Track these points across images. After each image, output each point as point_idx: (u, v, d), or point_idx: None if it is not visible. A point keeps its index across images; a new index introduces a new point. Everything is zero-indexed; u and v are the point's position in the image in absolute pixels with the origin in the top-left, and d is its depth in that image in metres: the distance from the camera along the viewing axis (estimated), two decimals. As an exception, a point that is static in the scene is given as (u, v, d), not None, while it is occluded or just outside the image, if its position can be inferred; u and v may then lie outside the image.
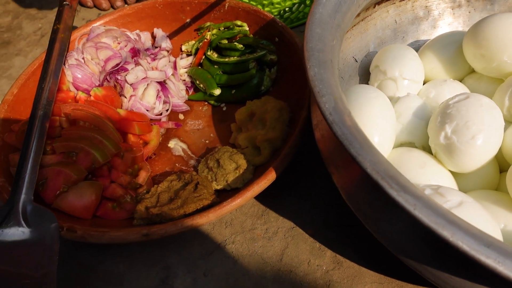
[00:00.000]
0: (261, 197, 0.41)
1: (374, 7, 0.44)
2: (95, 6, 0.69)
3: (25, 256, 0.30)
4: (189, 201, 0.34)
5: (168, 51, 0.52)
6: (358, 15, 0.43)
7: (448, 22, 0.47)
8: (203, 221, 0.32)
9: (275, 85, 0.48)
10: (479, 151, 0.31)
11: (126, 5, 0.64)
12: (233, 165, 0.38)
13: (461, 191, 0.30)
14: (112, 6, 0.68)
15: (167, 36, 0.52)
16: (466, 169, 0.32)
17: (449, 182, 0.33)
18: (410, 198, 0.22)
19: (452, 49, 0.41)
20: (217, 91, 0.47)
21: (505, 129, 0.33)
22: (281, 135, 0.40)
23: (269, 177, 0.34)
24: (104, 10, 0.68)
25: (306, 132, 0.38)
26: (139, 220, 0.35)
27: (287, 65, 0.47)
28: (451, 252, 0.21)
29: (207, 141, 0.46)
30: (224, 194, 0.38)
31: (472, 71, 0.41)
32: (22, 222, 0.31)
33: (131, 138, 0.43)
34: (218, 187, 0.38)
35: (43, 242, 0.31)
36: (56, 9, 0.70)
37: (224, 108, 0.48)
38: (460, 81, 0.41)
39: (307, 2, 0.56)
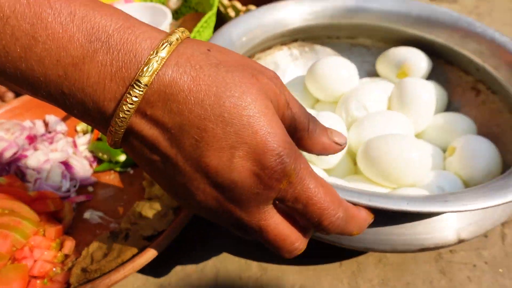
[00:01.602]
0: (185, 237, 0.46)
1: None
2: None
3: None
4: (124, 249, 0.37)
5: (63, 134, 0.54)
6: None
7: (292, 71, 0.63)
8: (144, 260, 0.35)
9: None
10: (336, 149, 0.44)
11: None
12: (154, 212, 0.43)
13: (333, 178, 0.41)
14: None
15: (60, 120, 0.55)
16: (331, 165, 0.44)
17: (324, 176, 0.44)
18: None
19: (300, 87, 0.56)
20: (122, 157, 0.51)
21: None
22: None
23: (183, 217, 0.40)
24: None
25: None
26: (75, 283, 0.36)
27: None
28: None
29: (122, 204, 0.49)
30: (154, 239, 0.42)
31: (317, 100, 0.56)
32: None
33: (45, 218, 0.44)
34: (147, 234, 0.42)
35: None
36: None
37: (131, 172, 0.53)
38: (312, 109, 0.55)
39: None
